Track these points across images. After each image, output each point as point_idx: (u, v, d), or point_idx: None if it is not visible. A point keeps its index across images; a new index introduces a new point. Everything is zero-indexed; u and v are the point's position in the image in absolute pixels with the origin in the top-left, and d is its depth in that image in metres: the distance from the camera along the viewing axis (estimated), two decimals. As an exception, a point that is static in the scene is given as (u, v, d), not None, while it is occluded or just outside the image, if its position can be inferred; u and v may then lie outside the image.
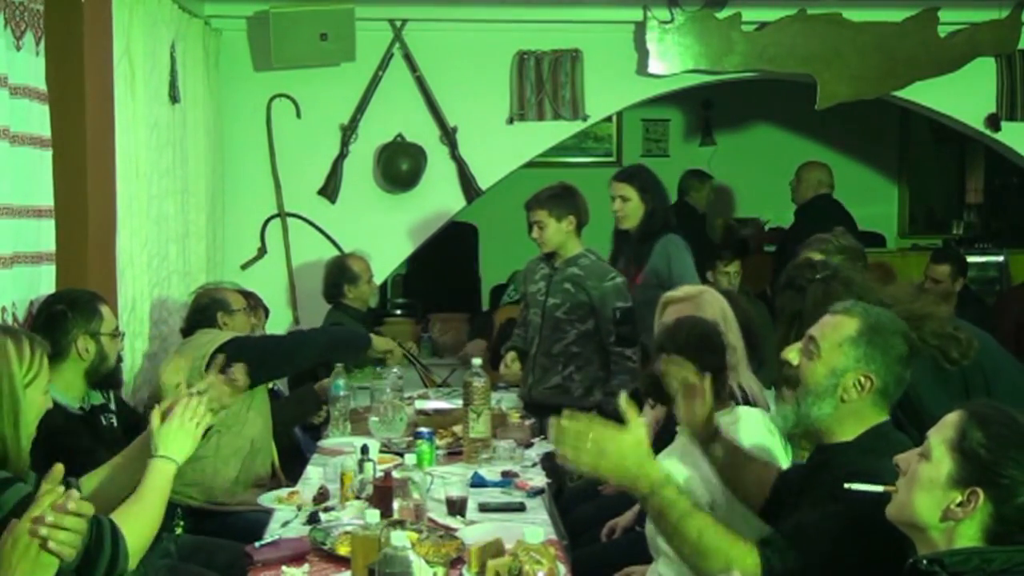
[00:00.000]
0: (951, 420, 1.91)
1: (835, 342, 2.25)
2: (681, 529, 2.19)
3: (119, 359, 3.33)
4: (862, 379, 2.22)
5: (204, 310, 4.04)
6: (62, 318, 3.13)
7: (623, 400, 2.28)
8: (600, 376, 4.43)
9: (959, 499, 1.86)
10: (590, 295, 4.38)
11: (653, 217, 4.73)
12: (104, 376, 3.22)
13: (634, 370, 4.38)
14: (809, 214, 6.13)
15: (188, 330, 4.04)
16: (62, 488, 1.91)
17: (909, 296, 2.88)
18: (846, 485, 2.06)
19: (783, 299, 2.99)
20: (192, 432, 2.44)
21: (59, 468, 1.96)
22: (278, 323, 5.29)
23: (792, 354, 2.31)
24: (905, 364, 2.26)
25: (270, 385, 4.15)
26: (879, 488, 2.00)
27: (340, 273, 5.07)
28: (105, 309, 3.24)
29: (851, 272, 2.91)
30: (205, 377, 3.59)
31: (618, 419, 4.29)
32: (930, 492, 1.88)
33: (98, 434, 3.15)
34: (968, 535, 1.85)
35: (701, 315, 3.08)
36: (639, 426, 2.25)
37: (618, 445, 2.21)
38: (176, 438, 2.42)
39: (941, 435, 1.90)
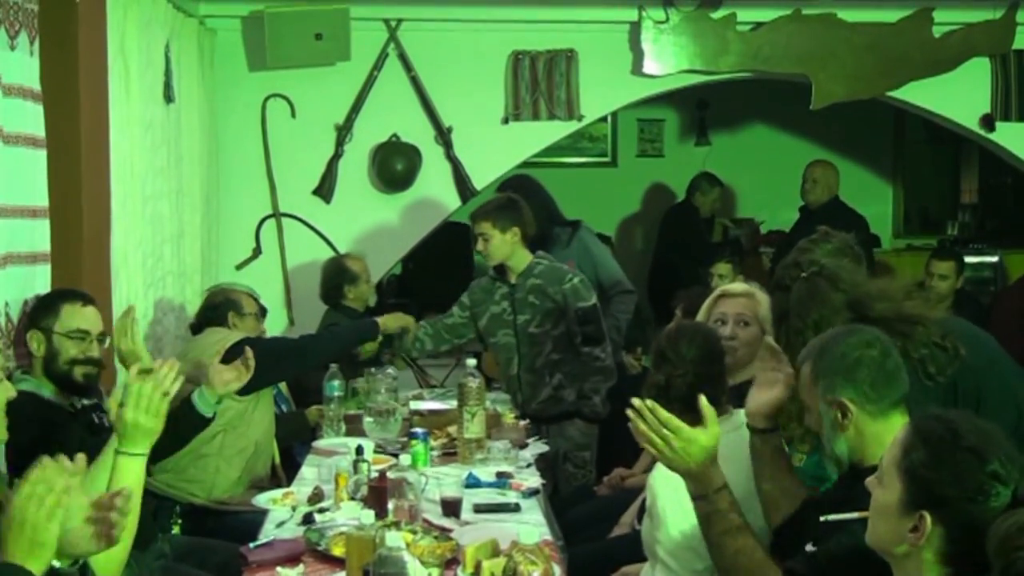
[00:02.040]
0: (899, 438, 1.80)
1: (806, 389, 2.30)
2: (721, 542, 2.24)
3: (92, 362, 3.11)
4: (839, 408, 2.20)
5: (217, 308, 4.02)
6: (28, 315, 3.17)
7: (704, 404, 2.29)
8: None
9: (911, 525, 1.73)
10: (555, 300, 4.35)
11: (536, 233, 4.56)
12: (60, 377, 3.07)
13: (607, 368, 4.39)
14: (821, 216, 6.03)
15: (198, 326, 4.04)
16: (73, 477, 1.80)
17: (900, 293, 2.81)
18: (822, 518, 2.04)
19: (773, 301, 2.97)
20: (156, 411, 2.26)
21: (81, 458, 1.87)
22: (273, 324, 5.27)
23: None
24: (872, 365, 2.20)
25: (274, 391, 4.14)
26: (853, 515, 1.93)
27: (339, 274, 4.97)
28: (68, 308, 3.10)
29: (838, 268, 2.81)
30: (216, 372, 3.52)
31: (594, 421, 4.36)
32: (886, 519, 1.77)
33: (93, 432, 3.12)
34: (929, 560, 1.71)
35: (757, 309, 3.23)
36: (712, 433, 2.27)
37: (687, 443, 2.24)
38: (137, 427, 2.26)
39: (890, 456, 1.79)
